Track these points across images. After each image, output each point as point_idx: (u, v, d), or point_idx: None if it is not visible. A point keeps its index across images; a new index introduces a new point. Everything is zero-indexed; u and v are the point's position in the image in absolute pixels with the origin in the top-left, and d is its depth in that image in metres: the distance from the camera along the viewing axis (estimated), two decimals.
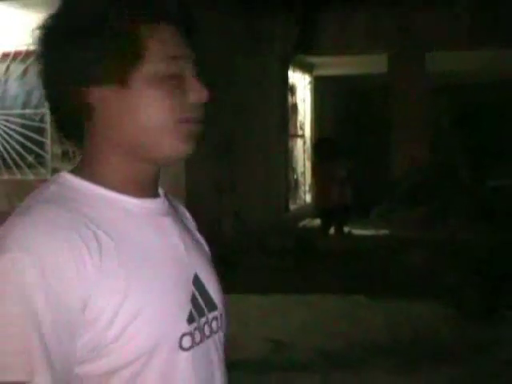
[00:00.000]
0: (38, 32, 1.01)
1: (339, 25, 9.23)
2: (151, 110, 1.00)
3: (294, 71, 9.56)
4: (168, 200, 1.16)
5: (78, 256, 0.92)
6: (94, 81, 0.98)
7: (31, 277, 0.90)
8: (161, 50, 0.99)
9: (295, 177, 9.77)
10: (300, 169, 10.04)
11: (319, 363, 4.57)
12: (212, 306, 1.12)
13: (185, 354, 1.03)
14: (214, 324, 1.12)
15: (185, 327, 1.03)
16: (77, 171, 1.04)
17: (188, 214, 1.27)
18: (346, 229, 8.08)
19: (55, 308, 0.90)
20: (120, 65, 0.98)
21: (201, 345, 1.07)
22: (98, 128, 1.02)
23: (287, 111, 9.14)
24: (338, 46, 9.18)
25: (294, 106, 9.72)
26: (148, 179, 1.07)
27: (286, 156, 9.10)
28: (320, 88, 10.57)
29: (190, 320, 1.05)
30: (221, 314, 1.14)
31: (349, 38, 9.14)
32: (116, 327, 0.94)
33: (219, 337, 1.14)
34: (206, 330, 1.09)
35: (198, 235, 1.26)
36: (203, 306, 1.10)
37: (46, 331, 0.90)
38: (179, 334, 1.02)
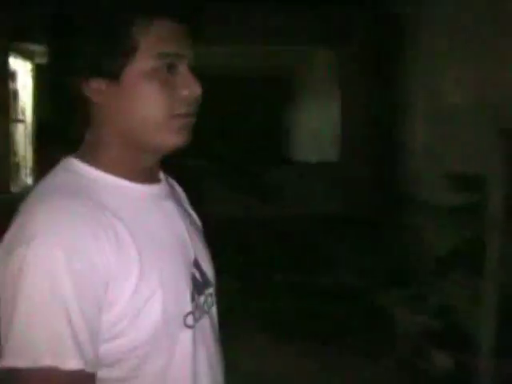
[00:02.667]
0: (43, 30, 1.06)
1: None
2: (143, 104, 1.02)
3: (15, 58, 9.73)
4: (168, 183, 1.19)
5: (99, 241, 0.95)
6: (89, 75, 1.02)
7: (59, 262, 0.91)
8: (153, 47, 1.01)
9: (17, 160, 9.92)
10: (21, 152, 10.20)
11: None
12: (208, 284, 1.17)
13: (187, 332, 1.08)
14: (209, 300, 1.17)
15: (189, 306, 1.08)
16: (82, 157, 1.07)
17: (180, 190, 1.29)
18: None
19: (82, 291, 0.93)
20: (113, 60, 1.00)
21: (200, 321, 1.12)
22: (97, 118, 1.06)
23: (8, 97, 9.30)
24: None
25: (15, 92, 9.85)
26: (148, 166, 1.11)
27: (8, 140, 9.25)
28: (41, 75, 10.81)
29: (192, 299, 1.10)
30: (214, 290, 1.20)
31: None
32: (132, 309, 0.98)
33: (214, 311, 1.20)
34: (204, 306, 1.14)
35: (190, 209, 1.29)
36: (202, 285, 1.14)
37: (74, 315, 0.91)
38: (185, 313, 1.07)
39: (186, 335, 1.07)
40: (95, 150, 1.07)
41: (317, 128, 10.63)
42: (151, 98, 1.02)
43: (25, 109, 10.35)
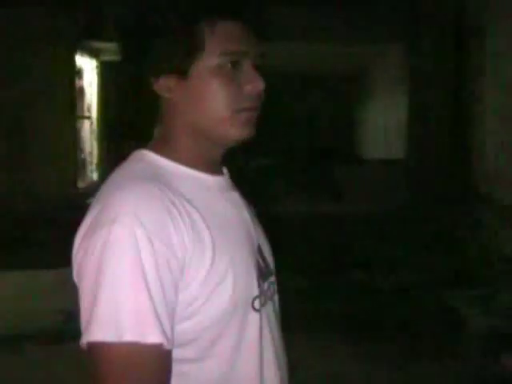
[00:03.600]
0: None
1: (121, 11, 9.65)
2: (209, 99, 1.08)
3: (81, 56, 9.93)
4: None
5: (177, 226, 1.00)
6: (160, 73, 1.07)
7: (141, 241, 0.96)
8: (219, 45, 1.06)
9: (83, 156, 10.10)
10: (88, 149, 10.37)
11: None
12: (270, 272, 1.21)
13: (255, 315, 1.12)
14: (271, 288, 1.21)
15: (256, 290, 1.13)
16: (154, 149, 1.12)
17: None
18: None
19: (162, 270, 0.97)
20: (182, 59, 1.06)
21: (265, 306, 1.16)
22: (167, 113, 1.12)
23: (75, 94, 9.47)
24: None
25: (82, 90, 10.04)
26: (215, 158, 1.16)
27: (74, 136, 9.44)
28: (106, 72, 11.01)
29: (258, 284, 1.14)
30: (276, 279, 1.24)
31: None
32: (205, 290, 1.03)
33: (276, 299, 1.24)
34: (268, 293, 1.19)
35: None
36: (265, 272, 1.19)
37: (155, 292, 0.96)
38: (253, 296, 1.12)
39: (254, 318, 1.11)
40: (166, 143, 1.12)
41: (387, 126, 10.48)
42: (217, 93, 1.07)
43: (91, 106, 10.53)
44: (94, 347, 0.96)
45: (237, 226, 1.15)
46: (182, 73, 1.07)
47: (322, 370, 4.33)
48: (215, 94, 1.07)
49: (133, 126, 9.94)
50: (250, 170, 9.24)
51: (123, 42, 1.12)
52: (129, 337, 0.93)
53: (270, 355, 1.15)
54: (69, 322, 4.96)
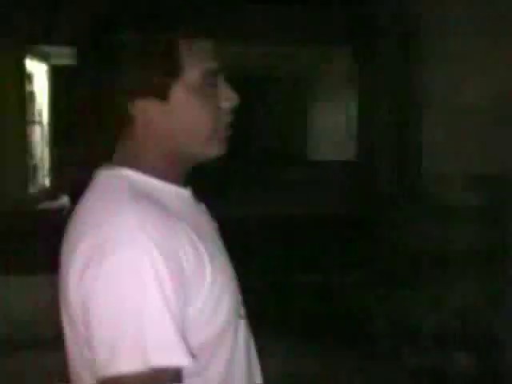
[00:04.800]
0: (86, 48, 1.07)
1: (77, 16, 9.49)
2: (190, 120, 1.07)
3: (31, 60, 9.81)
4: None
5: (180, 242, 1.00)
6: (136, 96, 1.04)
7: (159, 262, 0.94)
8: (198, 64, 1.05)
9: (34, 162, 9.98)
10: (38, 154, 10.27)
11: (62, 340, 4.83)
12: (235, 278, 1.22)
13: (242, 322, 1.17)
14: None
15: (239, 297, 1.17)
16: (127, 165, 1.08)
17: None
18: None
19: (179, 291, 0.97)
20: (160, 80, 1.03)
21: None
22: (140, 133, 1.08)
23: (24, 99, 9.35)
24: (75, 36, 9.45)
25: (32, 94, 9.92)
26: (185, 172, 1.15)
27: (24, 142, 9.29)
28: (57, 76, 10.89)
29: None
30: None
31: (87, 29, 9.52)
32: (208, 305, 1.04)
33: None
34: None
35: None
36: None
37: (175, 313, 0.96)
38: (240, 305, 1.17)
39: (241, 324, 1.15)
40: (138, 160, 1.09)
41: (334, 127, 10.63)
42: (199, 114, 1.06)
43: (41, 110, 10.40)
44: (121, 379, 0.92)
45: (214, 237, 1.17)
46: (161, 96, 1.05)
47: (279, 370, 4.39)
48: (197, 115, 1.07)
49: (79, 130, 9.89)
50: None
51: (93, 64, 1.07)
52: (155, 361, 0.92)
53: (254, 355, 1.22)
54: (22, 331, 4.97)
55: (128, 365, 0.91)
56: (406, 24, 7.35)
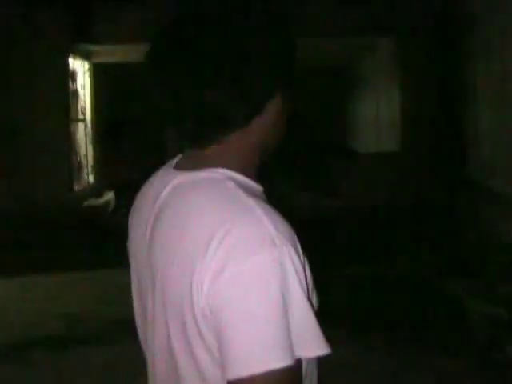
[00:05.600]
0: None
1: (113, 14, 9.59)
2: (277, 130, 1.15)
3: (74, 59, 9.93)
4: None
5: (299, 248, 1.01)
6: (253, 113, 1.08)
7: (297, 261, 0.96)
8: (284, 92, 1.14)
9: (78, 159, 10.10)
10: (82, 151, 10.39)
11: (114, 334, 4.69)
12: None
13: None
14: None
15: None
16: (228, 167, 1.11)
17: None
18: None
19: (308, 282, 1.00)
20: (273, 90, 1.10)
21: None
22: (235, 135, 1.10)
23: (68, 97, 9.48)
24: (112, 34, 9.55)
25: (75, 92, 10.05)
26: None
27: (69, 139, 9.43)
28: (98, 74, 11.02)
29: None
30: None
31: (121, 27, 9.53)
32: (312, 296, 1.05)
33: None
34: None
35: None
36: None
37: (311, 305, 0.98)
38: None
39: None
40: (236, 160, 1.11)
41: (379, 118, 10.50)
42: (282, 126, 1.15)
43: (84, 108, 10.53)
44: (268, 375, 0.92)
45: None
46: (261, 112, 1.09)
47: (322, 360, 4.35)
48: (282, 127, 1.15)
49: (126, 127, 10.00)
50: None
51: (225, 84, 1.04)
52: (278, 363, 0.91)
53: None
54: (72, 327, 4.98)
55: (281, 361, 0.91)
56: (451, 11, 7.23)
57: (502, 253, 5.30)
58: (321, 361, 1.08)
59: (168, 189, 1.10)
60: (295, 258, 0.96)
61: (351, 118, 13.13)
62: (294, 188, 9.64)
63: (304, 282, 0.96)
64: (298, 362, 0.95)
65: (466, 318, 4.88)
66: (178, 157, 1.19)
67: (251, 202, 1.00)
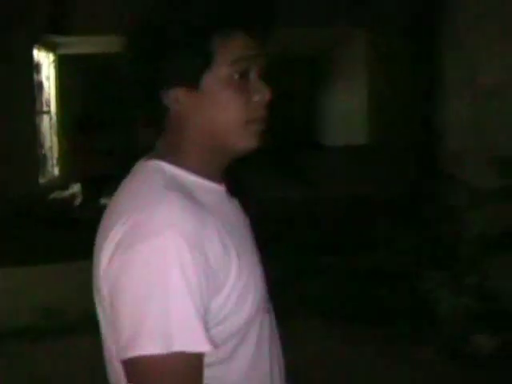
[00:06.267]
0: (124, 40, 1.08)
1: (84, 6, 9.41)
2: (221, 110, 1.07)
3: (39, 50, 9.75)
4: None
5: (209, 237, 1.01)
6: (170, 84, 1.06)
7: (184, 251, 0.96)
8: (229, 55, 1.06)
9: (43, 152, 9.95)
10: (47, 144, 10.23)
11: (88, 326, 4.79)
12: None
13: (267, 316, 1.18)
14: None
15: (265, 291, 1.17)
16: (166, 159, 1.11)
17: None
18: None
19: (203, 281, 0.98)
20: (193, 71, 1.05)
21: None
22: (174, 124, 1.10)
23: (33, 89, 9.31)
24: (82, 26, 9.38)
25: (40, 84, 9.87)
26: (221, 167, 1.16)
27: (34, 132, 9.28)
28: (64, 66, 10.84)
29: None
30: None
31: (94, 19, 9.36)
32: (234, 295, 1.05)
33: None
34: None
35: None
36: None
37: (198, 300, 0.97)
38: (265, 302, 1.17)
39: (266, 318, 1.17)
40: (175, 153, 1.11)
41: (348, 110, 10.51)
42: (228, 104, 1.07)
43: (49, 100, 10.36)
44: (142, 360, 0.95)
45: (246, 232, 1.19)
46: (193, 85, 1.06)
47: (301, 354, 4.37)
48: (226, 105, 1.07)
49: (95, 120, 9.85)
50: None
51: (132, 53, 1.09)
52: (178, 347, 0.94)
53: (276, 350, 1.21)
54: (48, 319, 4.96)
55: (150, 348, 0.93)
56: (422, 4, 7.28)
57: (471, 244, 5.37)
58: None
59: (127, 178, 1.14)
60: (184, 252, 0.96)
61: (323, 109, 13.11)
62: (265, 181, 9.65)
63: (193, 277, 0.96)
64: (179, 355, 0.95)
65: (437, 309, 4.94)
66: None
67: (162, 196, 1.01)
